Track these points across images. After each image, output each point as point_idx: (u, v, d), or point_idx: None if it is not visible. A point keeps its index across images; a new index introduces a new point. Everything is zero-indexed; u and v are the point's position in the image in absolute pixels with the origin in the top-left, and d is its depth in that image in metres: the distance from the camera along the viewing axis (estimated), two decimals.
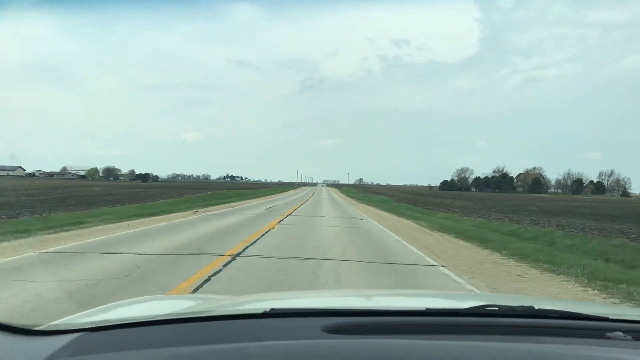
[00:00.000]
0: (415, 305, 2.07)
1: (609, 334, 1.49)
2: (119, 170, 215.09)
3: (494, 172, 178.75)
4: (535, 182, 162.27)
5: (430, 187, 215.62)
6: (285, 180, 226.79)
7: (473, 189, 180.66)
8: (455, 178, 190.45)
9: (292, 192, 79.36)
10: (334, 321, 1.53)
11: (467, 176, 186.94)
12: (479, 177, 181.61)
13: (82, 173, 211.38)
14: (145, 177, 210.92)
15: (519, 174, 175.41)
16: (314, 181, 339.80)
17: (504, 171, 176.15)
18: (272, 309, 1.69)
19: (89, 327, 1.51)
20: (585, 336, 1.49)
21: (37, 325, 1.47)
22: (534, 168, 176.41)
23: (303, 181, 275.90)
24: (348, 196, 66.10)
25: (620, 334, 1.49)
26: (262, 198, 47.89)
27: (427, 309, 1.73)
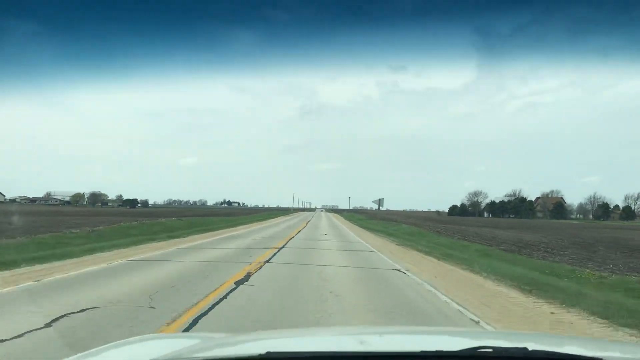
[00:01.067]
0: (411, 348, 2.07)
1: None
2: (105, 195, 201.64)
3: (506, 195, 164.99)
4: (558, 206, 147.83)
5: (438, 212, 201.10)
6: (284, 205, 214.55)
7: (485, 214, 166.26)
8: (466, 202, 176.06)
9: (278, 219, 62.80)
10: None
11: (479, 200, 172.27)
12: (493, 201, 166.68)
13: (67, 199, 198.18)
14: (133, 202, 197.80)
15: (537, 198, 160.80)
16: (312, 206, 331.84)
17: (520, 194, 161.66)
18: (268, 352, 1.71)
19: None
20: None
21: None
22: (552, 191, 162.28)
23: (300, 206, 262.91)
24: (359, 226, 50.26)
25: None
26: (227, 230, 33.50)
27: (421, 352, 1.77)
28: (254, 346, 1.95)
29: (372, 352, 1.96)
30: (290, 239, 25.10)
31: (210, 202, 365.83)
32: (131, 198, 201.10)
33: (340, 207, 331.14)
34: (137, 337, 2.46)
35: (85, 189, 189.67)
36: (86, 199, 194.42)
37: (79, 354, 1.89)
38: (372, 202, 39.94)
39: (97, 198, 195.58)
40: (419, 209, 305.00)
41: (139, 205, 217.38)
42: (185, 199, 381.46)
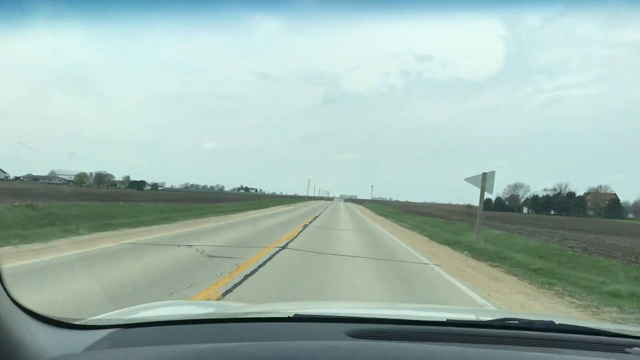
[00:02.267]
0: (437, 317, 2.05)
1: (628, 350, 1.48)
2: (111, 175, 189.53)
3: (546, 190, 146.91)
4: (613, 204, 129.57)
5: (469, 206, 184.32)
6: (301, 193, 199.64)
7: (524, 210, 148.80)
8: (504, 195, 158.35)
9: (282, 207, 48.67)
10: (358, 327, 1.59)
11: (519, 194, 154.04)
12: (536, 195, 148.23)
13: (70, 178, 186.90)
14: (140, 184, 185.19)
15: (586, 194, 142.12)
16: (330, 195, 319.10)
17: (566, 189, 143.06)
18: (296, 315, 1.75)
19: (123, 323, 1.62)
20: (604, 350, 1.49)
21: (77, 320, 1.55)
22: (601, 186, 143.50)
23: (317, 194, 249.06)
24: (394, 221, 36.23)
25: (639, 349, 1.48)
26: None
27: (448, 320, 1.75)
28: (283, 310, 1.97)
29: (401, 317, 1.88)
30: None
31: (227, 188, 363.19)
32: (138, 180, 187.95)
33: (359, 197, 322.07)
34: (166, 302, 2.69)
35: (101, 170, 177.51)
36: (91, 179, 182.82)
37: (120, 310, 1.99)
38: (468, 179, 20.91)
39: (102, 178, 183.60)
40: (438, 201, 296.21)
41: (148, 187, 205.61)
42: (203, 184, 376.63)
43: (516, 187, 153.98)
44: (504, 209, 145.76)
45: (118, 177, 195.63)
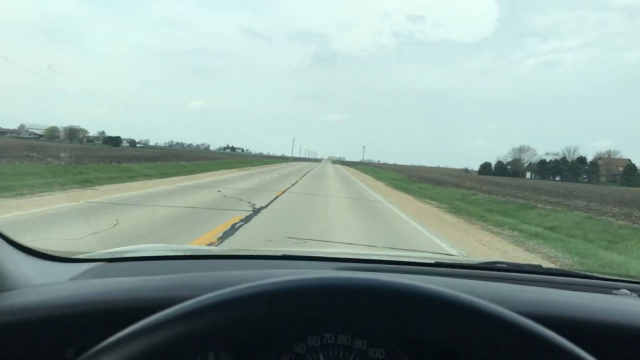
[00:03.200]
0: (425, 258, 2.08)
1: (615, 292, 1.51)
2: (84, 130, 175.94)
3: (548, 154, 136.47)
4: (628, 170, 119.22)
5: (466, 170, 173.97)
6: (289, 154, 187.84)
7: (528, 175, 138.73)
8: (505, 159, 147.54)
9: (253, 169, 39.13)
10: (347, 265, 1.61)
11: (523, 158, 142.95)
12: (543, 159, 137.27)
13: (40, 132, 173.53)
14: (115, 140, 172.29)
15: (597, 159, 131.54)
16: (318, 157, 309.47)
17: (577, 154, 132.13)
18: (285, 254, 1.80)
19: (109, 257, 1.64)
20: (592, 292, 1.49)
21: (62, 253, 1.57)
22: (610, 151, 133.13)
23: (305, 156, 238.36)
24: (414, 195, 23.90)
25: (627, 291, 1.50)
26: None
27: (436, 262, 1.77)
28: (273, 251, 2.02)
29: (389, 259, 1.92)
30: None
31: (213, 147, 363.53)
32: (114, 136, 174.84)
33: (348, 159, 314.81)
34: (159, 245, 2.49)
35: (74, 125, 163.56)
36: (62, 134, 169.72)
37: (112, 249, 1.99)
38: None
39: (75, 133, 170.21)
40: (427, 164, 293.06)
41: (127, 144, 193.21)
42: (188, 142, 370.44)
43: (521, 150, 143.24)
44: (505, 174, 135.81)
45: (92, 132, 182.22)
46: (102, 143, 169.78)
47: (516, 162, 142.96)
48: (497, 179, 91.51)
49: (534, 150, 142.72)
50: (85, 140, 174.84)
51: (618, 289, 1.53)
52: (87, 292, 1.12)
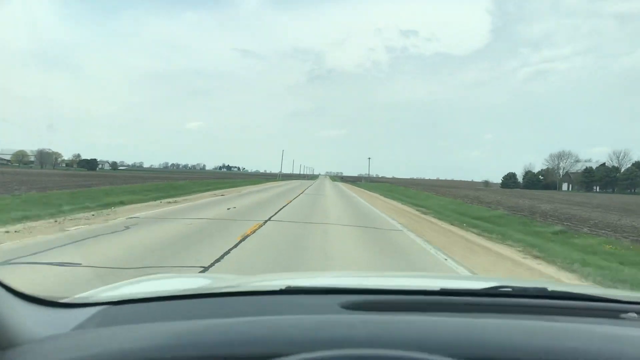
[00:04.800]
0: (429, 285, 2.00)
1: (623, 315, 1.47)
2: (57, 154, 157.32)
3: (586, 161, 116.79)
4: None
5: (486, 183, 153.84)
6: (286, 171, 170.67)
7: (565, 187, 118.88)
8: (543, 166, 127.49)
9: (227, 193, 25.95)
10: (351, 298, 1.55)
11: (560, 167, 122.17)
12: (590, 168, 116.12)
13: (8, 157, 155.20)
14: (91, 163, 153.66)
15: None
16: (315, 172, 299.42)
17: (629, 159, 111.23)
18: (288, 287, 1.71)
19: (112, 300, 1.57)
20: (598, 316, 1.48)
21: (63, 298, 1.51)
22: None
23: (302, 172, 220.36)
24: None
25: (634, 314, 1.46)
26: None
27: (441, 289, 1.74)
28: (274, 284, 1.92)
29: (393, 287, 1.88)
30: None
31: (209, 167, 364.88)
32: (89, 158, 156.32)
33: (345, 174, 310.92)
34: (155, 275, 2.48)
35: (44, 148, 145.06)
36: (33, 158, 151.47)
37: (108, 286, 1.94)
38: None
39: (46, 157, 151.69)
40: (425, 177, 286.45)
41: (107, 167, 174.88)
42: (184, 163, 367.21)
43: (560, 156, 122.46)
44: (538, 187, 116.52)
45: (67, 155, 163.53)
46: (77, 167, 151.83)
47: (551, 171, 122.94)
48: (542, 193, 73.41)
49: (576, 156, 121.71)
50: (64, 164, 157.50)
51: (626, 311, 1.47)
52: (97, 351, 1.05)
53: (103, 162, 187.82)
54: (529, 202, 36.86)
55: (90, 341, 1.08)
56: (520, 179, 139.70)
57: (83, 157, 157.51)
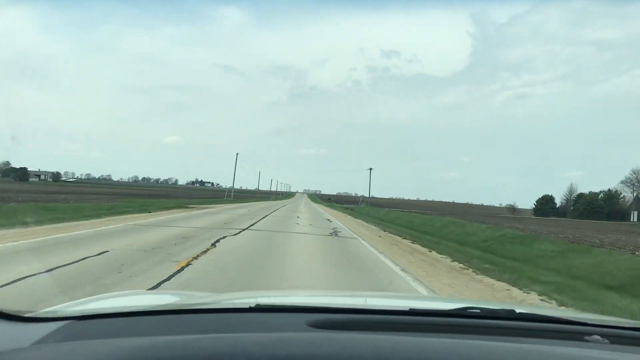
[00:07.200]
0: (399, 305, 2.03)
1: (587, 337, 1.49)
2: None
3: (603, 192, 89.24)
4: None
5: (513, 209, 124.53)
6: (263, 188, 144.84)
7: (633, 217, 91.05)
8: (620, 191, 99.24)
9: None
10: (319, 317, 1.54)
11: (620, 193, 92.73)
12: None
13: None
14: (21, 173, 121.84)
15: None
16: (292, 190, 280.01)
17: None
18: (257, 305, 1.70)
19: (77, 315, 1.53)
20: (564, 338, 1.50)
21: (28, 312, 1.48)
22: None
23: (279, 189, 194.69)
24: None
25: (598, 337, 1.48)
26: None
27: (410, 309, 1.73)
28: (244, 301, 1.93)
29: (361, 307, 1.89)
30: None
31: (182, 182, 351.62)
32: (18, 167, 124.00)
33: (323, 192, 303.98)
34: (123, 292, 2.44)
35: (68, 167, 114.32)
36: None
37: (74, 301, 1.90)
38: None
39: None
40: (405, 197, 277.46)
41: (42, 178, 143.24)
42: (155, 177, 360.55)
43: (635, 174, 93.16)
44: (595, 216, 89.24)
45: None
46: (2, 176, 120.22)
47: (613, 197, 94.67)
48: (621, 226, 47.59)
49: None
50: None
51: (590, 334, 1.50)
52: None
53: (46, 173, 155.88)
54: None
55: (48, 356, 1.05)
56: (558, 202, 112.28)
57: (13, 165, 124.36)
